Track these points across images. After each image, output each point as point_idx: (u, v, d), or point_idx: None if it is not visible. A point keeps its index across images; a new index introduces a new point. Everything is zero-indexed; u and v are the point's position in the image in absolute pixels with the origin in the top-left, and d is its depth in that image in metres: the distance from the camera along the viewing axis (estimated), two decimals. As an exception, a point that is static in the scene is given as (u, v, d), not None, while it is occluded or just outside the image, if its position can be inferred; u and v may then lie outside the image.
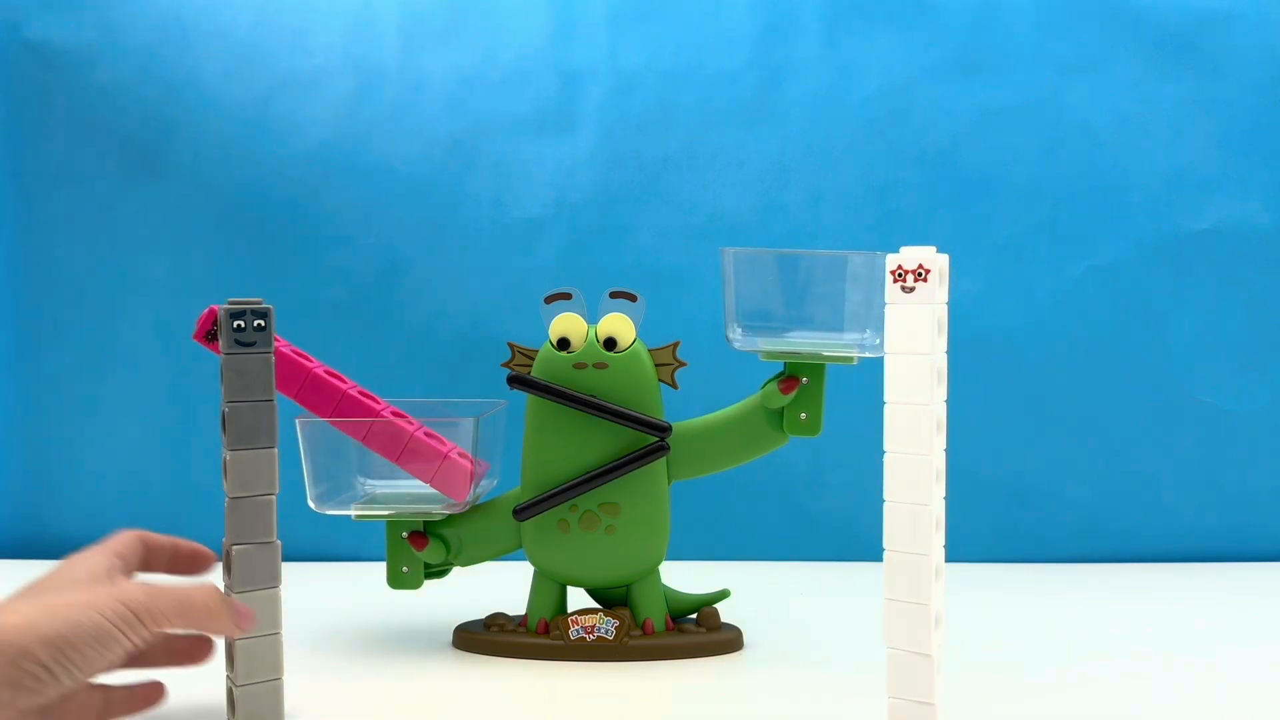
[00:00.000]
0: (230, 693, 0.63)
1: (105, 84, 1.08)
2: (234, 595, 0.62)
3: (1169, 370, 1.05)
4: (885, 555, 0.56)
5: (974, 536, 1.05)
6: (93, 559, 0.58)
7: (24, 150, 1.09)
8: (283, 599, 0.64)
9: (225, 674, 0.64)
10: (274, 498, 0.63)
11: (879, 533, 0.56)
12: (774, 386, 0.74)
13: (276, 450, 0.63)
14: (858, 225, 1.06)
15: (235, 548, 0.62)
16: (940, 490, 0.56)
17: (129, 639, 0.54)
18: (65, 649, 0.51)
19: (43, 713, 0.53)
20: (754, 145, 1.07)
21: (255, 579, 0.62)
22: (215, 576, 0.64)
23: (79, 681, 0.53)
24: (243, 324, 0.61)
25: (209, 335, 0.75)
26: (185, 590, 0.58)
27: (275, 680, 0.64)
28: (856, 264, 0.70)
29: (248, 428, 0.62)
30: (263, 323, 0.62)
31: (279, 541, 0.63)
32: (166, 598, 0.56)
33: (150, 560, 0.63)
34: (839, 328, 0.71)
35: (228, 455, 0.61)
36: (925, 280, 0.54)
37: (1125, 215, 1.05)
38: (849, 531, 1.04)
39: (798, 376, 0.73)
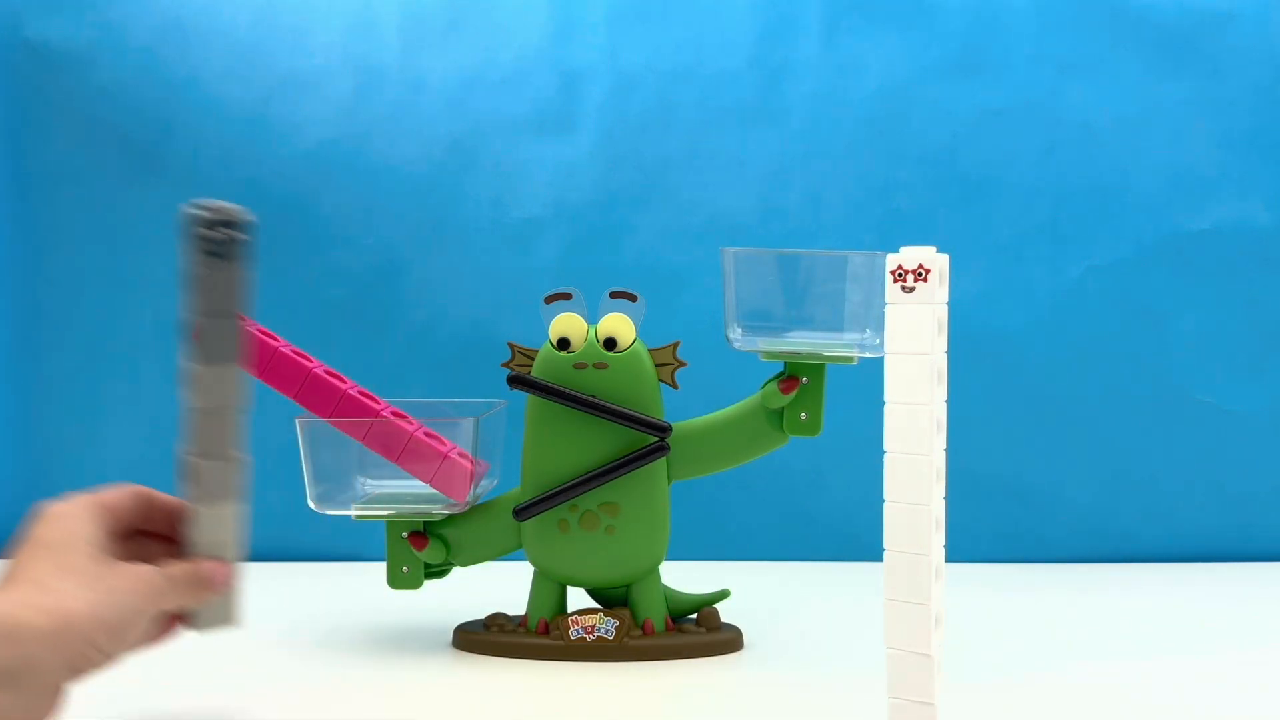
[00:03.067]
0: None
1: (105, 84, 1.08)
2: (198, 508, 0.61)
3: (1169, 370, 1.05)
4: (885, 555, 0.56)
5: (974, 536, 1.05)
6: (85, 524, 0.57)
7: (24, 150, 1.09)
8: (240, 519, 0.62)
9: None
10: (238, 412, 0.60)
11: (879, 533, 0.55)
12: (774, 386, 0.74)
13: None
14: (858, 225, 1.06)
15: (200, 461, 0.60)
16: (940, 490, 0.56)
17: (148, 618, 0.56)
18: (121, 632, 0.53)
19: None
20: (754, 145, 1.07)
21: (217, 494, 0.61)
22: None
23: (116, 661, 0.54)
24: (210, 233, 0.57)
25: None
26: (187, 572, 0.59)
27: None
28: (856, 264, 0.70)
29: (214, 343, 0.58)
30: (235, 232, 0.57)
31: (243, 456, 0.61)
32: (180, 581, 0.58)
33: (150, 518, 0.62)
34: (839, 328, 0.71)
35: (194, 369, 0.58)
36: (925, 280, 0.54)
37: (1125, 215, 1.05)
38: (849, 531, 1.04)
39: (798, 376, 0.73)
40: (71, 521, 0.56)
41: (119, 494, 0.61)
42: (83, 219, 1.09)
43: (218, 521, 0.61)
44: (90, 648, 0.52)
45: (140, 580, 0.56)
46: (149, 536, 0.62)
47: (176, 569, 0.59)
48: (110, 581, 0.54)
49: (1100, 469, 1.06)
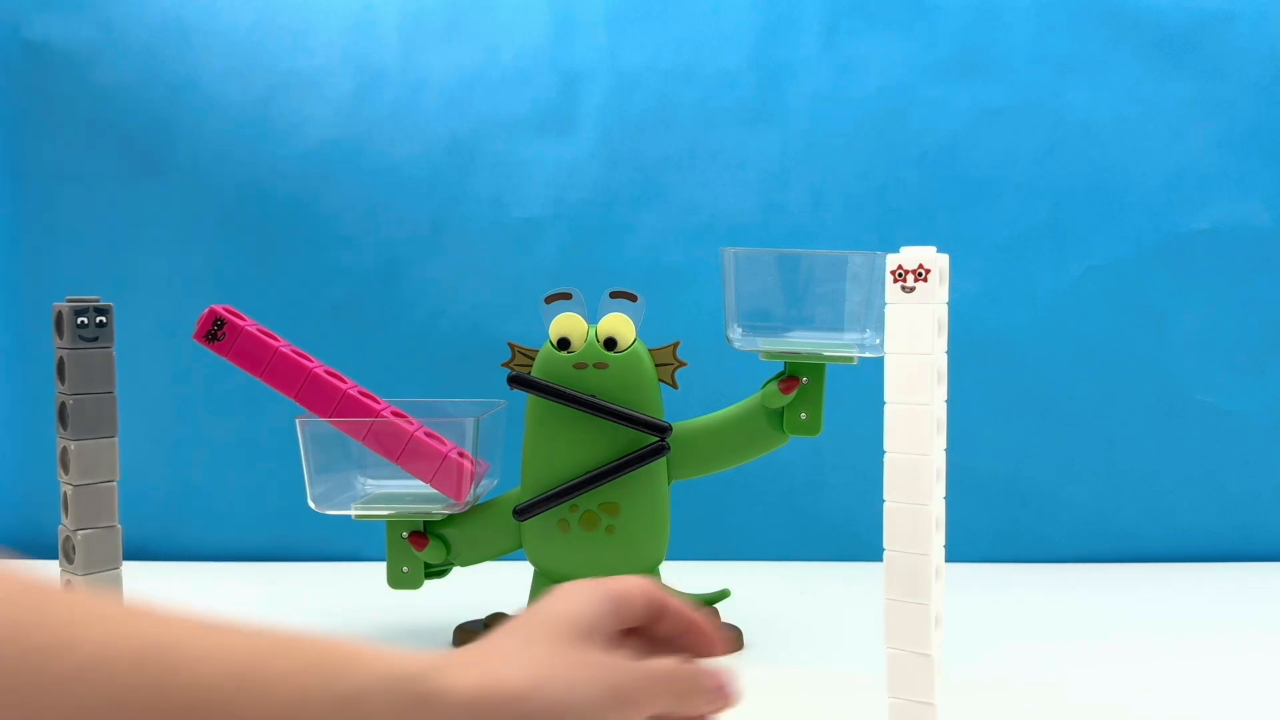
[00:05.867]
0: None
1: (105, 84, 1.08)
2: (75, 578, 0.65)
3: (1169, 370, 1.05)
4: (885, 555, 0.56)
5: (974, 536, 1.05)
6: (585, 603, 0.49)
7: (24, 150, 1.09)
8: (124, 582, 0.69)
9: None
10: (115, 485, 0.67)
11: (879, 533, 0.55)
12: (774, 386, 0.74)
13: (117, 440, 0.67)
14: (858, 225, 1.06)
15: (79, 533, 0.65)
16: (940, 490, 0.56)
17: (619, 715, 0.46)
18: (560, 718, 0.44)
19: None
20: (754, 145, 1.07)
21: (97, 562, 0.66)
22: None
23: None
24: (85, 320, 0.67)
25: (209, 335, 0.75)
26: (685, 676, 0.48)
27: None
28: (856, 264, 0.70)
29: (90, 419, 0.66)
30: (104, 319, 0.67)
31: (120, 526, 0.67)
32: (666, 687, 0.47)
33: (658, 621, 0.53)
34: (839, 328, 0.71)
35: (70, 445, 0.65)
36: (925, 280, 0.54)
37: (1125, 215, 1.05)
38: (849, 531, 1.04)
39: (798, 376, 0.73)
40: (568, 601, 0.49)
41: (629, 586, 0.51)
42: (83, 219, 1.09)
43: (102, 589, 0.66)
44: None
45: (588, 669, 0.46)
46: (638, 637, 0.52)
47: (636, 670, 0.47)
48: (567, 664, 0.46)
49: (1100, 469, 1.06)
